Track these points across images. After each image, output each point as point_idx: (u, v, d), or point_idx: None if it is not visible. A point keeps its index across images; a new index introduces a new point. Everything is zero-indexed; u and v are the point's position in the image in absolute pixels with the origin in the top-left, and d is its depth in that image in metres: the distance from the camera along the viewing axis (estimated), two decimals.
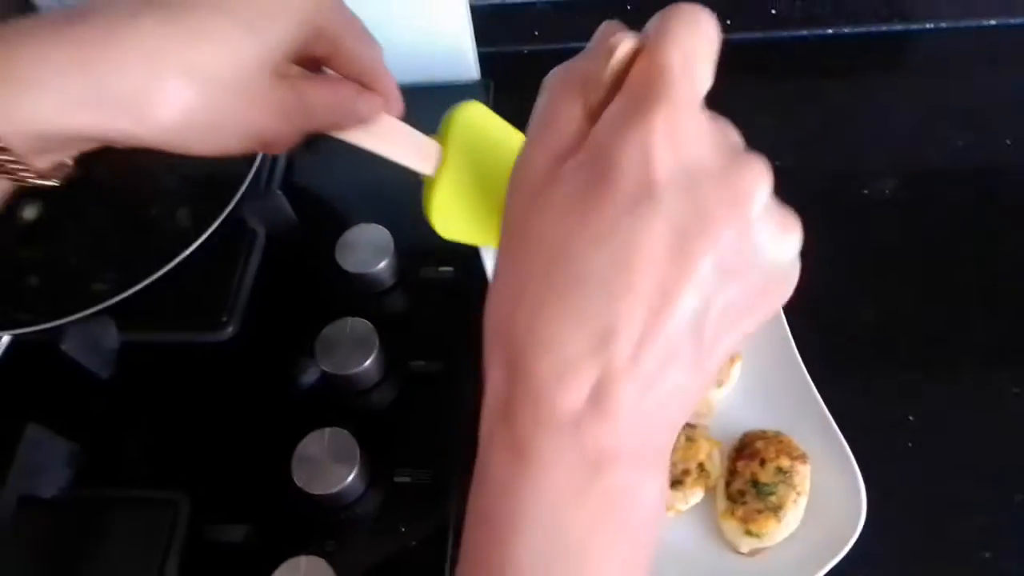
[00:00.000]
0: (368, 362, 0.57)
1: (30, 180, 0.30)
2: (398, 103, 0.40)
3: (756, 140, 0.70)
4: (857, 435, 0.50)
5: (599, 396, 0.26)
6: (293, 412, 0.58)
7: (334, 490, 0.52)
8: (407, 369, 0.60)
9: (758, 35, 0.74)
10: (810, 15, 0.72)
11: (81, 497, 0.56)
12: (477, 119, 0.44)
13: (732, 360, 0.55)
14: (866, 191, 0.66)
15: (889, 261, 0.63)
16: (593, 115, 0.28)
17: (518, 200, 0.29)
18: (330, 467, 0.53)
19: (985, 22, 0.72)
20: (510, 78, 0.75)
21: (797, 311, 0.55)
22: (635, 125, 0.26)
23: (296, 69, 0.35)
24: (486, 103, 0.74)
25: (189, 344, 0.62)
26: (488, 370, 0.29)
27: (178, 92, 0.30)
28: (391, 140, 0.40)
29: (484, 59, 0.75)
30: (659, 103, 0.26)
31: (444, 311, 0.63)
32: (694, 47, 0.27)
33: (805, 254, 0.28)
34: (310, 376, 0.59)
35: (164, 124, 0.30)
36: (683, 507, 0.50)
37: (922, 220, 0.65)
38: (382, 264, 0.61)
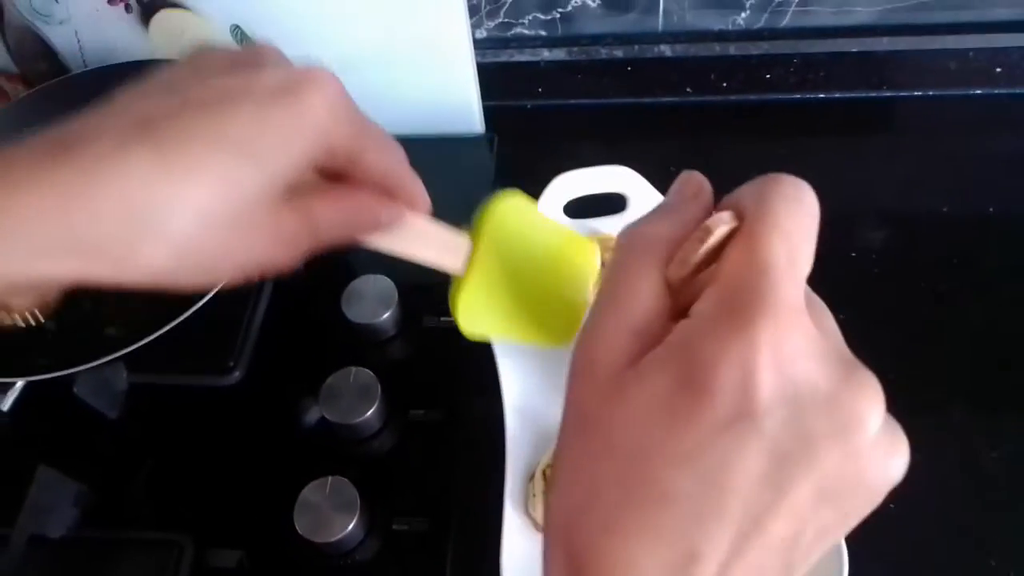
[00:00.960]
0: (370, 412, 0.59)
1: (5, 320, 0.29)
2: (424, 204, 0.36)
3: None
4: None
5: None
6: (296, 457, 0.60)
7: (335, 538, 0.54)
8: (407, 417, 0.62)
9: (752, 97, 0.77)
10: (804, 80, 0.75)
11: (88, 537, 0.57)
12: (513, 214, 0.41)
13: None
14: (854, 253, 0.69)
15: (873, 319, 0.65)
16: (675, 292, 0.26)
17: (590, 383, 0.26)
18: (331, 515, 0.54)
19: (970, 91, 0.75)
20: (514, 132, 0.78)
21: None
22: (736, 337, 0.23)
23: (304, 183, 0.32)
24: (489, 156, 0.78)
25: (196, 387, 0.64)
26: (548, 572, 0.27)
27: (165, 237, 0.27)
28: (415, 241, 0.37)
29: (488, 112, 0.78)
30: (763, 312, 0.23)
31: (445, 361, 0.65)
32: (800, 236, 0.25)
33: None
34: (312, 416, 0.61)
35: (149, 270, 0.28)
36: None
37: (908, 277, 0.67)
38: (386, 315, 0.63)
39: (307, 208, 0.31)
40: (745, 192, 0.26)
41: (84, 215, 0.26)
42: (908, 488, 0.56)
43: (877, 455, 0.25)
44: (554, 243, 0.44)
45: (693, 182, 0.29)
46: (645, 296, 0.26)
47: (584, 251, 0.45)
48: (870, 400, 0.24)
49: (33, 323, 0.30)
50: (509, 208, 0.41)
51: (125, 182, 0.27)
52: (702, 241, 0.26)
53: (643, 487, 0.24)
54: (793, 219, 0.25)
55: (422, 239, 0.38)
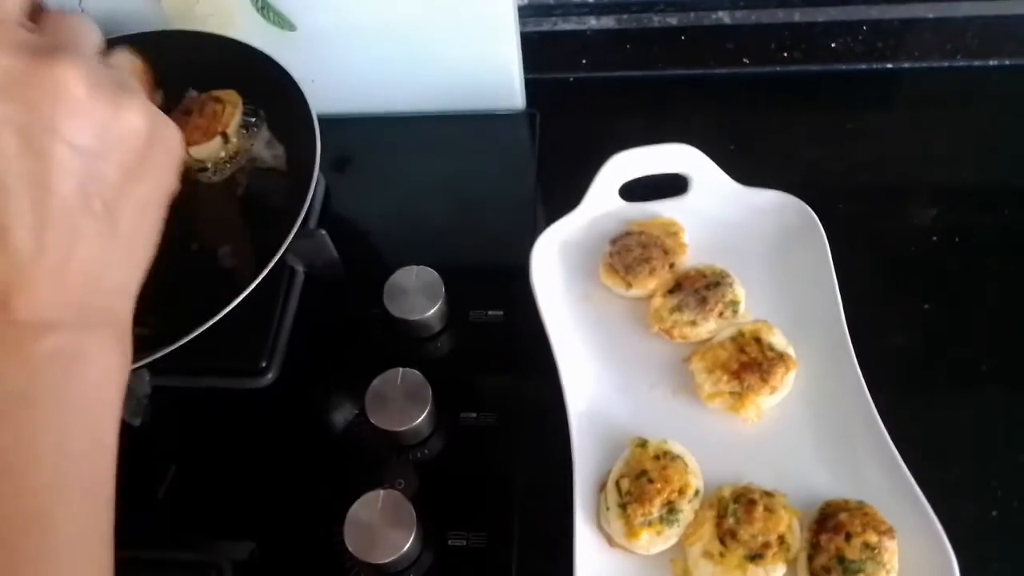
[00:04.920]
0: (422, 417, 0.54)
1: None
2: None
3: (806, 172, 0.66)
4: (936, 504, 0.48)
5: (16, 284, 0.31)
6: (339, 468, 0.56)
7: (390, 558, 0.49)
8: (458, 422, 0.57)
9: (815, 68, 0.71)
10: (872, 49, 0.70)
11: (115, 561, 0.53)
12: None
13: (787, 367, 0.53)
14: (934, 236, 0.63)
15: (934, 289, 0.60)
16: None
17: None
18: (385, 533, 0.49)
19: None
20: (556, 108, 0.73)
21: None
22: None
23: None
24: (531, 134, 0.73)
25: (226, 391, 0.59)
26: None
27: None
28: None
29: (528, 86, 0.73)
30: None
31: (494, 358, 0.60)
32: None
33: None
34: (355, 421, 0.56)
35: None
36: None
37: (964, 247, 0.63)
38: (432, 310, 0.58)
39: None
40: None
41: None
42: (1014, 492, 0.52)
43: (103, 106, 0.33)
44: None
45: None
46: None
47: None
48: (64, 68, 0.32)
49: None
50: None
51: None
52: None
53: None
54: None
55: None
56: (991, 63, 0.70)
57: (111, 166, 0.33)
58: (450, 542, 0.52)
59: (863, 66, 0.71)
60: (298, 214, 0.55)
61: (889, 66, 0.71)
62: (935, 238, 0.63)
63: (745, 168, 0.62)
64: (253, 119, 0.63)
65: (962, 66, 0.70)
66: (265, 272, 0.53)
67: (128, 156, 0.34)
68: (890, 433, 0.50)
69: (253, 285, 0.52)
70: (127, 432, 0.56)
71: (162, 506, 0.56)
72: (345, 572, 0.51)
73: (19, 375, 0.32)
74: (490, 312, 0.61)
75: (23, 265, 0.31)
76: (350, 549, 0.49)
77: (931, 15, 0.67)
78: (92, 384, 0.34)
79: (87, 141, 0.32)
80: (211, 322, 0.51)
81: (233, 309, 0.54)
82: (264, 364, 0.59)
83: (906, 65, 0.71)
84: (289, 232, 0.54)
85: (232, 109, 0.62)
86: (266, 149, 0.63)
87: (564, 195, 0.63)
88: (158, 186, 0.36)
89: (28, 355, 0.32)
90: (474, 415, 0.57)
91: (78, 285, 0.33)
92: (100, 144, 0.33)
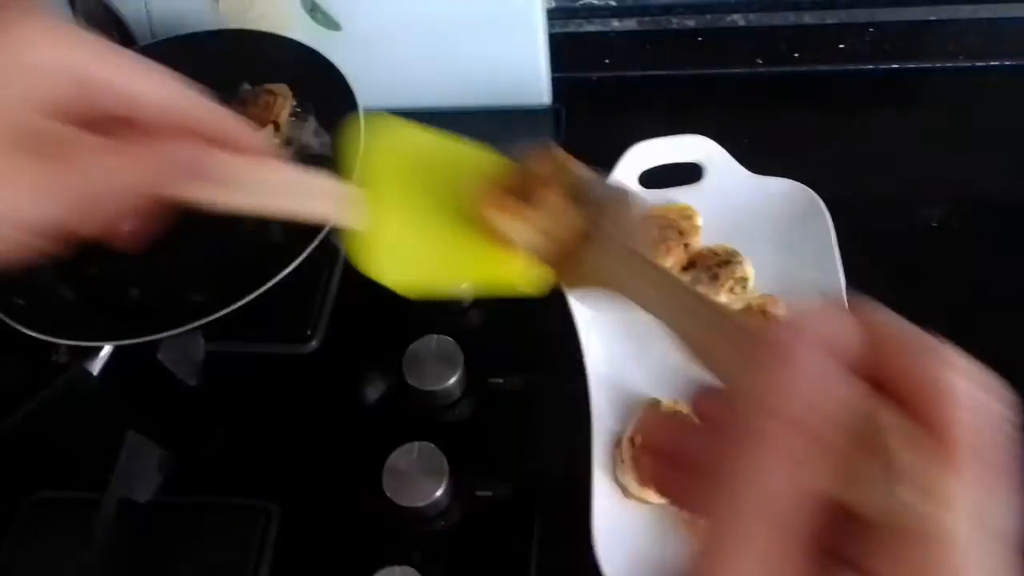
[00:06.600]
0: (454, 379, 0.59)
1: None
2: (254, 144, 0.32)
3: (814, 168, 0.69)
4: None
5: None
6: (376, 424, 0.61)
7: (424, 503, 0.54)
8: (486, 385, 0.62)
9: (824, 68, 0.76)
10: (879, 50, 0.74)
11: (175, 503, 0.58)
12: (399, 141, 0.35)
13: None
14: (915, 214, 0.67)
15: (938, 290, 0.63)
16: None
17: None
18: (420, 480, 0.54)
19: None
20: (580, 104, 0.78)
21: None
22: None
23: (59, 133, 0.29)
24: (556, 129, 0.78)
25: (274, 356, 0.64)
26: None
27: None
28: (276, 193, 0.31)
29: (553, 84, 0.77)
30: None
31: (520, 327, 0.64)
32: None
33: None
34: (390, 384, 0.61)
35: None
36: None
37: (967, 243, 0.66)
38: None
39: (66, 158, 0.28)
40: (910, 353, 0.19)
41: None
42: None
43: None
44: (448, 162, 0.36)
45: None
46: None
47: (481, 163, 0.36)
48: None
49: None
50: (392, 137, 0.35)
51: None
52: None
53: None
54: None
55: (285, 190, 0.32)
56: (992, 64, 0.74)
57: None
58: (478, 493, 0.57)
59: (870, 66, 0.75)
60: None
61: (895, 66, 0.75)
62: (938, 233, 0.67)
63: (757, 161, 0.66)
64: (302, 110, 0.69)
65: (964, 67, 0.74)
66: (311, 247, 0.58)
67: None
68: None
69: (300, 259, 0.58)
70: (186, 391, 0.62)
71: (216, 456, 0.61)
72: (383, 517, 0.55)
73: None
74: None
75: None
76: (388, 494, 0.54)
77: (933, 17, 0.71)
78: None
79: None
80: (259, 292, 0.56)
81: (281, 281, 0.59)
82: (309, 332, 0.64)
83: (911, 65, 0.75)
84: None
85: (283, 101, 0.68)
86: (314, 138, 0.68)
87: None
88: None
89: None
90: (501, 380, 0.62)
91: None
92: None
